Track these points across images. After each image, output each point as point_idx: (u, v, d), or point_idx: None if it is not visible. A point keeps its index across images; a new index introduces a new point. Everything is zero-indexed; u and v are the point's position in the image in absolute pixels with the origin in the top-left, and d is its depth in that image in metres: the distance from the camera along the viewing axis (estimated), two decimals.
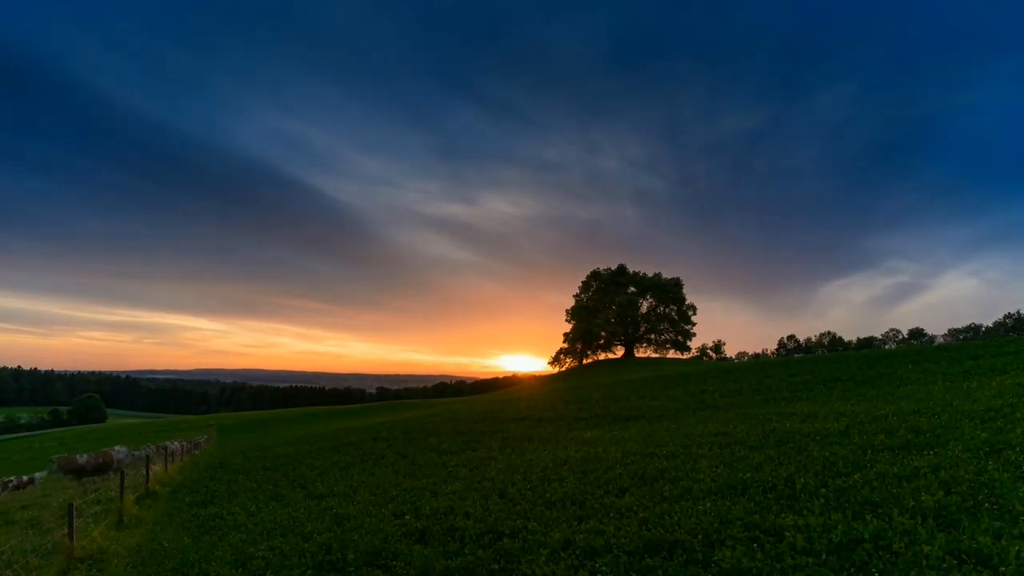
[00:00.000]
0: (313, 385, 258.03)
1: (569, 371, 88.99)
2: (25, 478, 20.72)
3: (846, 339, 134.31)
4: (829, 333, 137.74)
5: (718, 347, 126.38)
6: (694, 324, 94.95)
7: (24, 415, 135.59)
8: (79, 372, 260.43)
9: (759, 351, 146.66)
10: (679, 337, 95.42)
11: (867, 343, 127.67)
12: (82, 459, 19.35)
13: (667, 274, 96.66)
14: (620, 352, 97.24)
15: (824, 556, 5.40)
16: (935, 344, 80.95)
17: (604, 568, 6.02)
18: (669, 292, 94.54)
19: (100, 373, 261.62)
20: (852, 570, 5.09)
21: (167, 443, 28.55)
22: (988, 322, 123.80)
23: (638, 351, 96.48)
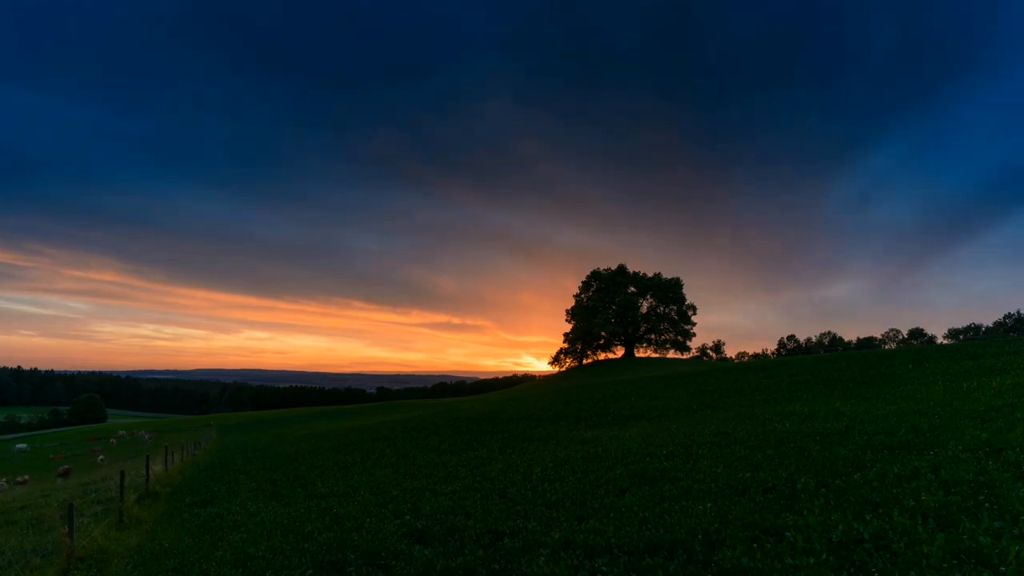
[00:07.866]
0: (313, 385, 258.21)
1: (569, 371, 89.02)
2: None
3: (846, 339, 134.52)
4: (829, 333, 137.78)
5: (718, 347, 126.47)
6: (694, 324, 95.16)
7: (24, 415, 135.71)
8: (79, 372, 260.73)
9: (759, 351, 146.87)
10: (679, 337, 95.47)
11: (867, 343, 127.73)
12: None
13: (666, 273, 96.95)
14: (620, 352, 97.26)
15: (824, 556, 5.40)
16: (935, 344, 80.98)
17: (604, 568, 6.01)
18: (669, 292, 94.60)
19: (100, 373, 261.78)
20: (852, 570, 5.09)
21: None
22: (988, 322, 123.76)
23: (638, 351, 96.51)
